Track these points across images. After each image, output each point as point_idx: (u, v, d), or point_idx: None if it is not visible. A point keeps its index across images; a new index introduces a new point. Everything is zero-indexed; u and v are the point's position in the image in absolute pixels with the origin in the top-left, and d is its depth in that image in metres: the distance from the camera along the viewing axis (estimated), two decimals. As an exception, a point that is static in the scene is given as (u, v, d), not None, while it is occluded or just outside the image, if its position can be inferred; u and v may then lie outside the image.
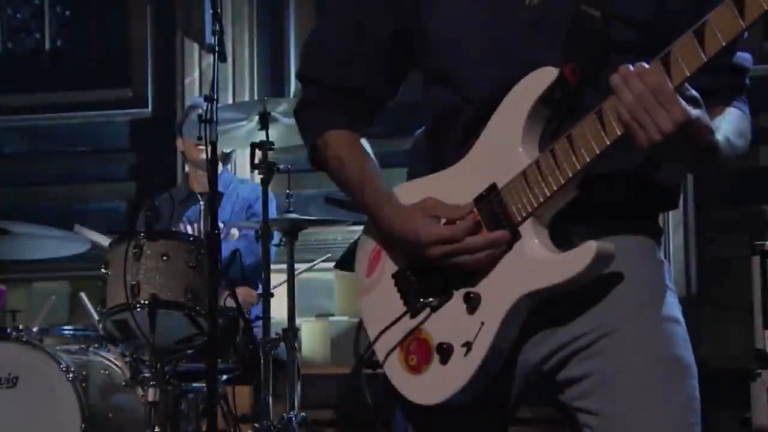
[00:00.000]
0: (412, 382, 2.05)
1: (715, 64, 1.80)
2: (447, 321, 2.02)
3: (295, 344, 4.49)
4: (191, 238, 4.18)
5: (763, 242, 3.69)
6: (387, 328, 2.08)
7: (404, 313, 2.06)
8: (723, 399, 5.20)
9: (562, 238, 1.97)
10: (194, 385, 4.24)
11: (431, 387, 2.02)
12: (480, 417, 2.07)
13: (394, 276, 2.10)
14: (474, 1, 2.06)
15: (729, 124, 1.93)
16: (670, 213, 5.80)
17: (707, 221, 5.92)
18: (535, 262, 1.94)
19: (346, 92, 2.20)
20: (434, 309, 2.04)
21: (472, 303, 1.98)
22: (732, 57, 2.01)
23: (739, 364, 4.10)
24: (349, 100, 2.20)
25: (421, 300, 2.05)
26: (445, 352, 2.00)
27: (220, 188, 5.20)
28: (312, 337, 6.31)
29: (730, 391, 4.04)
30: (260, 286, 4.64)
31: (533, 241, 1.95)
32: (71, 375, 4.06)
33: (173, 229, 4.95)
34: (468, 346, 1.97)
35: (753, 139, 2.02)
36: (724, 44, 1.75)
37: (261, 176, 4.45)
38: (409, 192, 2.10)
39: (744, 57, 2.05)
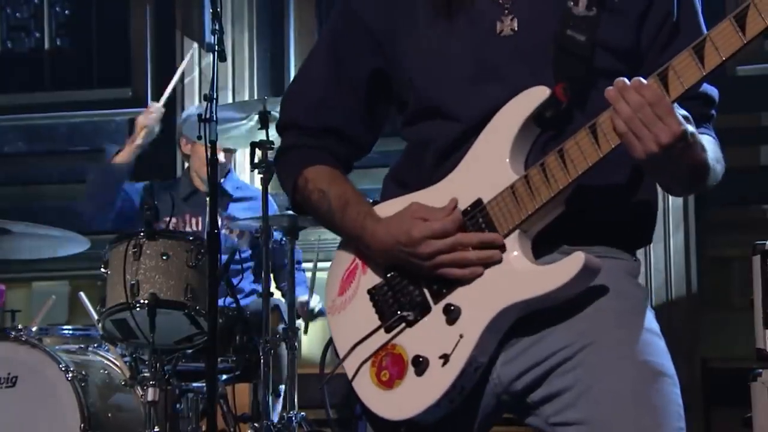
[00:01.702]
0: (384, 397, 2.01)
1: (687, 93, 1.82)
2: (424, 334, 1.99)
3: (295, 344, 4.49)
4: (191, 238, 4.17)
5: (763, 242, 3.68)
6: (361, 341, 2.05)
7: (379, 327, 2.04)
8: (723, 399, 5.21)
9: (543, 256, 1.97)
10: (194, 384, 4.24)
11: (404, 401, 1.98)
12: None
13: (369, 292, 2.08)
14: (452, 33, 2.05)
15: (710, 150, 1.93)
16: (671, 213, 5.80)
17: (707, 221, 5.91)
18: (521, 273, 1.93)
19: (323, 133, 2.18)
20: (410, 323, 2.01)
21: (452, 315, 1.96)
22: (700, 87, 1.99)
23: (740, 363, 4.09)
24: (326, 141, 2.18)
25: (398, 313, 2.02)
26: (420, 364, 1.96)
27: (230, 189, 5.21)
28: (312, 336, 6.30)
29: (731, 390, 4.04)
30: None
31: (519, 253, 1.94)
32: (71, 375, 4.05)
33: (174, 226, 4.94)
34: (445, 358, 1.94)
35: (753, 139, 2.03)
36: (723, 59, 1.77)
37: (261, 175, 4.45)
38: (390, 209, 2.07)
39: (712, 89, 2.08)
